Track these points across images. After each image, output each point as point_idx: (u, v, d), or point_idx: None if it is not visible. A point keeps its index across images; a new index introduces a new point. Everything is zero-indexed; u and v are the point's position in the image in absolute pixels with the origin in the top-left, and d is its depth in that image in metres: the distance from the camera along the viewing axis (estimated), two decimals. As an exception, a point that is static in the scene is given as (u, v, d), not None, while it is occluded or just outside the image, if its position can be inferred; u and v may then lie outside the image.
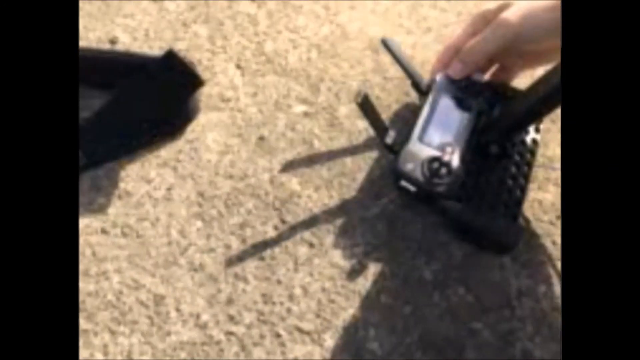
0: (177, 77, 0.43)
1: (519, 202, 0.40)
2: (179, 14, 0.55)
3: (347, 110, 0.48)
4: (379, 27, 0.55)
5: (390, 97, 0.49)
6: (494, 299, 0.38)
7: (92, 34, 0.52)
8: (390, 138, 0.41)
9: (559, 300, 0.39)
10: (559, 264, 0.40)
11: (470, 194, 0.40)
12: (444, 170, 0.39)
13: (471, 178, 0.41)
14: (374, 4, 0.57)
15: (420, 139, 0.41)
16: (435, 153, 0.40)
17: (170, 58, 0.42)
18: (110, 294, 0.37)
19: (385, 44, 0.46)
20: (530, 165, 0.43)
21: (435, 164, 0.39)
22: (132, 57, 0.46)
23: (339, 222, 0.41)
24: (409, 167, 0.39)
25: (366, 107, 0.38)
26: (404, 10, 0.57)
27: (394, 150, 0.41)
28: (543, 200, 0.44)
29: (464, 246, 0.40)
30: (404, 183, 0.40)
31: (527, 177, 0.42)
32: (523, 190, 0.41)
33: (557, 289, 0.39)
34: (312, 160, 0.45)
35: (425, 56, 0.52)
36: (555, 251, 0.41)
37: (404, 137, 0.41)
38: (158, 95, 0.44)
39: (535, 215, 0.43)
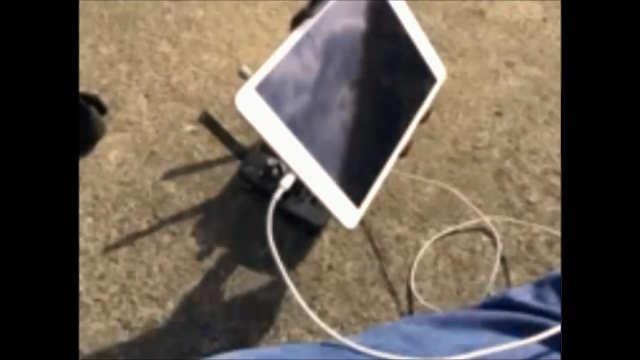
0: (84, 107, 0.55)
1: None
2: (108, 56, 0.68)
3: (228, 127, 0.59)
4: (270, 59, 0.66)
5: (263, 116, 0.60)
6: (308, 273, 0.47)
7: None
8: (237, 147, 0.51)
9: (360, 274, 0.47)
10: (369, 245, 0.49)
11: (299, 191, 0.50)
12: (275, 172, 0.49)
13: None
14: (270, 38, 0.68)
15: (263, 148, 0.51)
16: (272, 160, 0.50)
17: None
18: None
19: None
20: None
21: (269, 168, 0.49)
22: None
23: (201, 216, 0.52)
24: (249, 169, 0.49)
25: (209, 123, 0.49)
26: (293, 44, 0.68)
27: (241, 157, 0.51)
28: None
29: (293, 232, 0.49)
30: (243, 182, 0.50)
31: None
32: None
33: (362, 263, 0.48)
34: (190, 168, 0.56)
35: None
36: (363, 233, 0.49)
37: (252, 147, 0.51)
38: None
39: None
